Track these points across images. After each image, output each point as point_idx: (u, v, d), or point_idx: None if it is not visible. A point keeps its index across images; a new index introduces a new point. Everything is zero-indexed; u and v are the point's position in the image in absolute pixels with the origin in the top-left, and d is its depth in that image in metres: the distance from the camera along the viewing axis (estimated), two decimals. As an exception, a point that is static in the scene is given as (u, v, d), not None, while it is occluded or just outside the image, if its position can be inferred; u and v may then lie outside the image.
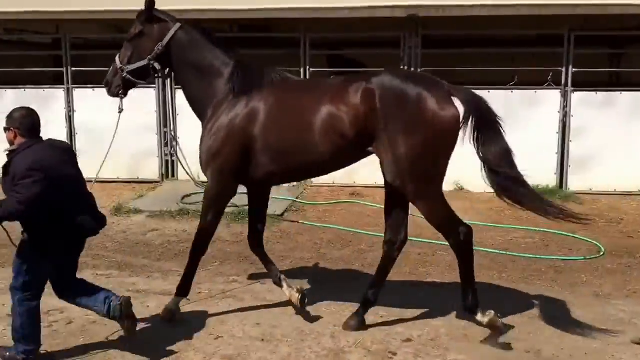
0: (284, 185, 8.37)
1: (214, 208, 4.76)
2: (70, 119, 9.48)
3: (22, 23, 10.49)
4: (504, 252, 6.63)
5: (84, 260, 6.37)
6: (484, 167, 4.46)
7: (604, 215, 8.05)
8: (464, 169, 8.68)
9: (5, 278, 5.84)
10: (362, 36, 10.57)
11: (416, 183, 4.33)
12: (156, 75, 4.94)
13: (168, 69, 4.93)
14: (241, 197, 8.13)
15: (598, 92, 8.94)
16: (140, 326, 4.77)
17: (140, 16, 4.83)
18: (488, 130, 4.39)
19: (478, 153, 4.43)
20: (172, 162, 9.78)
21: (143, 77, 4.92)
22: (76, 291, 4.37)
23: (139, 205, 8.21)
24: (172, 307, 4.89)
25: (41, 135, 4.20)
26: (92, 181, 4.55)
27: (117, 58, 4.89)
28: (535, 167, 8.65)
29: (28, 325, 4.14)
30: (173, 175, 9.77)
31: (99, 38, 11.32)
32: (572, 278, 5.95)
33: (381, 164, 4.43)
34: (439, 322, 4.88)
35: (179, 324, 4.85)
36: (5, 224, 4.02)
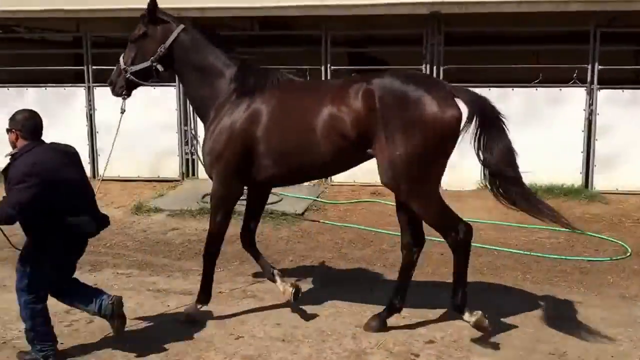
0: (305, 184, 8.33)
1: (221, 209, 4.76)
2: (91, 118, 9.53)
3: (43, 21, 10.57)
4: (528, 253, 6.53)
5: (105, 259, 6.43)
6: (484, 169, 4.41)
7: (630, 216, 7.89)
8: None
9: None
10: (384, 33, 10.49)
11: (411, 184, 4.29)
12: (159, 76, 4.96)
13: (171, 70, 4.94)
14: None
15: (624, 90, 8.75)
16: (160, 326, 4.81)
17: (144, 17, 4.86)
18: (491, 129, 4.33)
19: (478, 155, 4.37)
20: (193, 160, 9.78)
21: (146, 78, 4.94)
22: (70, 291, 4.37)
23: (160, 204, 8.22)
24: (192, 312, 4.88)
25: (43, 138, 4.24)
26: (98, 179, 4.54)
27: (121, 58, 4.93)
28: (560, 166, 8.63)
29: (39, 325, 4.16)
30: (193, 174, 9.78)
31: (119, 36, 11.36)
32: (598, 279, 5.84)
33: (378, 165, 4.38)
34: (462, 324, 4.78)
35: (199, 323, 4.83)
36: (5, 227, 4.05)
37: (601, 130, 8.73)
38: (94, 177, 9.59)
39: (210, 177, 4.81)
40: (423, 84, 4.32)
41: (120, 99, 5.06)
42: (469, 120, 4.25)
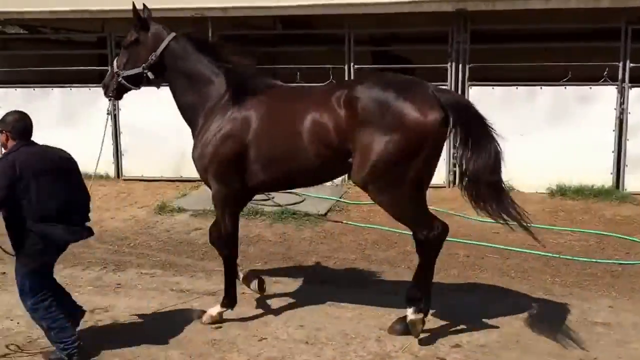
0: (327, 184, 8.26)
1: (226, 210, 4.80)
2: (115, 118, 9.58)
3: (68, 22, 10.68)
4: (557, 255, 6.39)
5: (129, 259, 6.45)
6: (466, 174, 4.33)
7: (662, 217, 7.68)
8: (514, 169, 8.49)
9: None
10: (408, 31, 10.38)
11: (383, 185, 4.29)
12: (149, 83, 5.01)
13: (161, 77, 5.00)
14: (284, 197, 8.17)
15: (657, 88, 8.53)
16: (184, 326, 4.80)
17: (136, 24, 4.93)
18: (474, 134, 4.29)
19: (461, 162, 4.34)
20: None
21: (136, 84, 5.01)
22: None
23: (183, 204, 8.23)
24: (213, 312, 4.87)
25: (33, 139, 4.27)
26: (91, 176, 4.58)
27: (115, 62, 5.03)
28: (590, 166, 8.44)
29: (52, 322, 4.19)
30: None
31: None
32: (630, 283, 5.70)
33: (353, 164, 4.35)
34: (489, 328, 4.72)
35: (222, 325, 4.81)
36: None
37: (633, 129, 8.52)
38: (118, 177, 9.66)
39: (205, 182, 4.90)
40: (404, 89, 4.31)
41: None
42: (452, 123, 4.24)
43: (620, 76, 8.50)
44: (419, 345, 4.44)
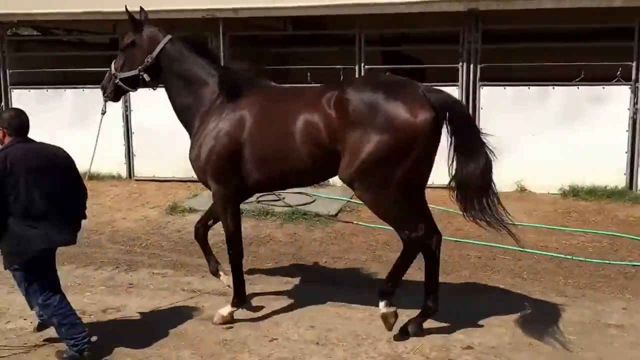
0: (338, 185, 8.26)
1: (228, 210, 4.84)
2: (127, 119, 9.64)
3: (80, 23, 10.74)
4: (570, 257, 6.33)
5: (141, 259, 6.48)
6: (456, 178, 4.39)
7: (677, 219, 7.60)
8: (526, 170, 8.47)
9: (60, 276, 5.96)
10: (419, 32, 10.35)
11: (370, 184, 4.33)
12: (145, 85, 5.06)
13: (157, 79, 5.04)
14: (294, 197, 8.17)
15: (671, 88, 8.44)
16: (195, 326, 4.82)
17: (132, 27, 4.98)
18: (464, 138, 4.34)
19: (452, 162, 4.36)
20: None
21: (133, 86, 5.08)
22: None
23: (194, 204, 8.26)
24: (226, 315, 4.88)
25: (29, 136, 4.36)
26: (85, 175, 4.65)
27: (112, 64, 5.09)
28: (603, 167, 8.38)
29: (63, 318, 4.24)
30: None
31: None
32: (644, 285, 5.63)
33: (342, 161, 4.37)
34: (501, 330, 4.69)
35: (233, 325, 4.83)
36: None
37: (646, 129, 8.44)
38: (130, 177, 9.71)
39: (203, 184, 4.94)
40: (394, 90, 4.33)
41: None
42: (439, 122, 4.25)
43: (633, 76, 8.43)
44: (430, 347, 4.42)
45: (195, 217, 7.86)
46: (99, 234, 7.40)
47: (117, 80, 5.02)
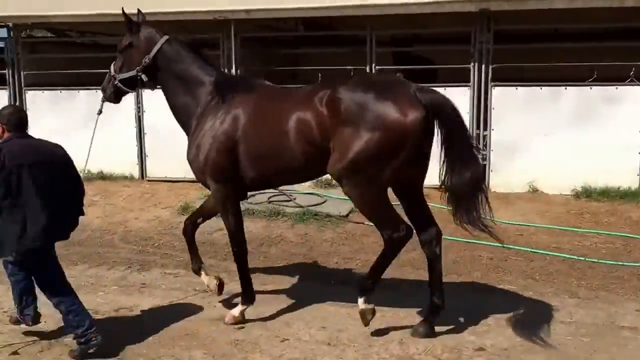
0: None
1: (229, 210, 4.88)
2: (139, 120, 9.68)
3: (93, 25, 10.81)
4: (583, 258, 6.29)
5: (153, 259, 6.52)
6: (446, 184, 4.43)
7: (692, 220, 7.52)
8: (538, 170, 8.42)
9: (73, 276, 6.03)
10: (430, 32, 10.32)
11: (361, 183, 4.38)
12: (144, 85, 5.14)
13: (155, 79, 5.10)
14: (306, 198, 8.18)
15: (685, 88, 8.35)
16: (207, 326, 4.84)
17: (129, 29, 5.04)
18: (458, 143, 4.37)
19: (444, 179, 4.42)
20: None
21: (132, 87, 5.16)
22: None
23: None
24: (237, 315, 4.91)
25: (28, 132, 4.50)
26: (82, 172, 4.73)
27: (112, 66, 5.16)
28: (616, 167, 8.31)
29: (71, 304, 4.36)
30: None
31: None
32: (658, 286, 5.59)
33: (331, 156, 4.42)
34: (513, 331, 4.67)
35: (245, 325, 4.85)
36: None
37: (660, 130, 8.36)
38: (142, 178, 9.76)
39: (202, 183, 4.99)
40: (385, 89, 4.39)
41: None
42: (430, 122, 4.29)
43: (646, 76, 8.35)
44: (441, 348, 4.42)
45: (207, 218, 7.94)
46: (112, 234, 7.46)
47: (117, 82, 5.09)
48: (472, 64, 8.64)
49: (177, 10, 8.95)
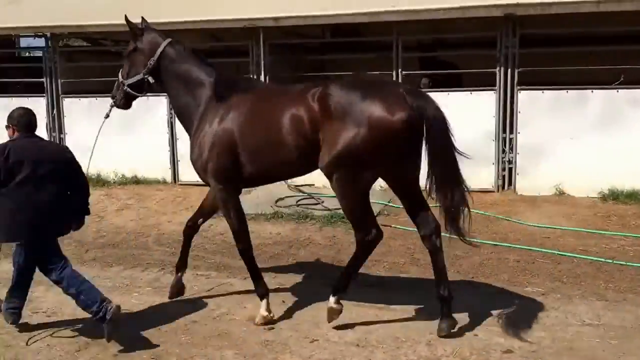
0: (376, 188, 8.34)
1: (231, 208, 5.02)
2: (171, 125, 9.90)
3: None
4: (611, 261, 6.28)
5: (186, 261, 6.66)
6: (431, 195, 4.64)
7: None
8: (564, 173, 8.40)
9: (109, 277, 6.23)
10: (456, 37, 10.36)
11: (347, 179, 4.53)
12: (150, 88, 5.35)
13: (160, 81, 5.28)
14: (334, 201, 8.26)
15: None
16: (238, 327, 4.95)
17: (133, 34, 5.26)
18: (441, 154, 4.53)
19: (430, 194, 4.62)
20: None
21: (140, 90, 5.33)
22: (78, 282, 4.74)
23: (235, 208, 8.44)
24: (264, 312, 5.02)
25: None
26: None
27: (119, 73, 5.37)
28: (643, 171, 8.24)
29: (80, 285, 4.61)
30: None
31: (199, 47, 11.77)
32: (687, 290, 5.56)
33: (321, 152, 4.57)
34: (541, 334, 4.70)
35: (273, 326, 4.95)
36: None
37: (689, 132, 8.27)
38: (174, 181, 9.98)
39: (205, 182, 5.13)
40: (375, 89, 4.56)
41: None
42: (417, 124, 4.43)
43: (675, 79, 8.29)
44: (470, 350, 4.45)
45: (237, 221, 8.09)
46: (146, 237, 7.65)
47: (125, 87, 5.29)
48: (497, 68, 8.67)
49: (207, 19, 9.17)
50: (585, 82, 8.54)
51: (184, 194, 9.26)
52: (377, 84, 4.67)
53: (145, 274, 6.34)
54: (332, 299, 4.81)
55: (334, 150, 4.46)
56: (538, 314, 5.02)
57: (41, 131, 9.95)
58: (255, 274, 5.13)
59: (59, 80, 10.37)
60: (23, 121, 4.69)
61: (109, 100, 10.29)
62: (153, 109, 10.02)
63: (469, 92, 8.93)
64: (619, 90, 8.39)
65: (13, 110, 4.76)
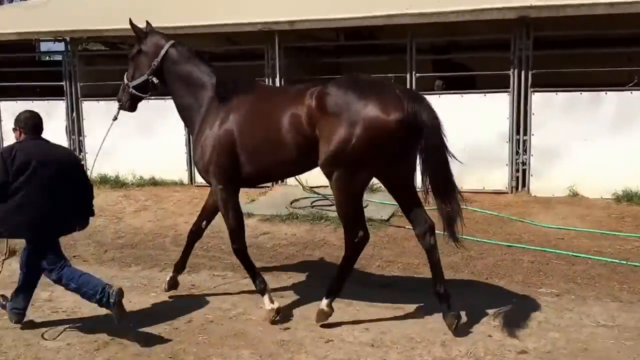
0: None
1: (230, 208, 5.10)
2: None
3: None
4: (625, 262, 6.27)
5: (202, 262, 6.76)
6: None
7: None
8: (578, 175, 8.40)
9: (127, 277, 6.33)
10: (470, 39, 10.38)
11: (343, 177, 4.59)
12: (155, 89, 5.41)
13: (164, 82, 5.36)
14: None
15: None
16: (254, 327, 5.01)
17: (137, 37, 5.36)
18: (434, 158, 4.58)
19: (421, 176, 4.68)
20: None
21: (145, 92, 5.40)
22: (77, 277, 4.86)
23: (251, 209, 8.52)
24: (268, 306, 5.09)
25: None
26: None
27: (125, 76, 5.45)
28: (659, 173, 8.21)
29: (78, 278, 4.74)
30: (282, 180, 10.06)
31: (211, 50, 11.89)
32: (702, 291, 5.54)
33: (320, 151, 4.63)
34: (556, 335, 4.71)
35: (289, 326, 4.99)
36: None
37: None
38: (191, 183, 10.09)
39: (207, 182, 5.21)
40: (372, 89, 4.61)
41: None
42: (412, 125, 4.46)
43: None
44: (484, 351, 4.47)
45: (253, 222, 8.14)
46: (163, 237, 7.75)
47: (131, 89, 5.38)
48: (511, 70, 8.68)
49: (224, 23, 9.28)
50: (599, 84, 8.53)
51: (200, 195, 9.34)
52: (374, 84, 4.74)
53: (162, 274, 6.39)
54: (324, 302, 4.88)
55: (331, 148, 4.53)
56: (552, 315, 5.03)
57: (61, 133, 10.37)
58: (252, 271, 5.23)
59: (78, 84, 10.54)
60: (30, 124, 4.81)
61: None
62: (170, 112, 10.10)
63: (483, 94, 8.96)
64: (633, 92, 8.38)
65: (20, 113, 4.89)
